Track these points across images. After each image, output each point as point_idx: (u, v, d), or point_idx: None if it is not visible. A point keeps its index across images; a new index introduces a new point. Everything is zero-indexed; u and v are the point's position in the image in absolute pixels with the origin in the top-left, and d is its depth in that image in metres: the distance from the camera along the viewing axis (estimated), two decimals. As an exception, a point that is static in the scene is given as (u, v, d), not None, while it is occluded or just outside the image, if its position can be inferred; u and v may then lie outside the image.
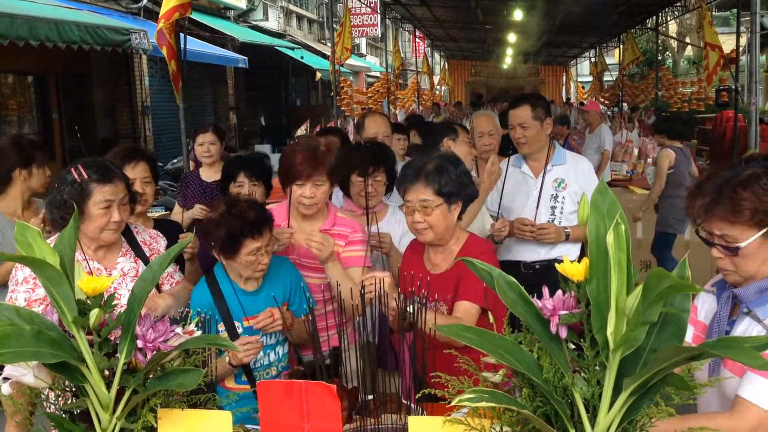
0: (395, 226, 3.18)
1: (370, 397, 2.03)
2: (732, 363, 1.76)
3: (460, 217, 2.57)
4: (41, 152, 3.46)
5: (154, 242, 2.63)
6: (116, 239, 2.46)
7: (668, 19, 17.93)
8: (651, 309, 1.15)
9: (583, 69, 33.17)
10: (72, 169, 2.34)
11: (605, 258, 1.18)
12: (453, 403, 1.23)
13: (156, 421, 1.37)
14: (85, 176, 2.32)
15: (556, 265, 1.29)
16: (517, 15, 13.88)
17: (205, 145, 4.62)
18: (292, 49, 19.83)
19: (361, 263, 2.80)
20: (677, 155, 6.34)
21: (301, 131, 8.58)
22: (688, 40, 22.63)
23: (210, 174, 4.52)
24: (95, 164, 2.39)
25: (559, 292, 1.27)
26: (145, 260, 2.52)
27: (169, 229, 2.99)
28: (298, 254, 2.81)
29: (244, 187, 3.42)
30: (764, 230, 1.69)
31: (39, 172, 3.39)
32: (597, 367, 1.23)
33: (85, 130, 11.76)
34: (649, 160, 8.86)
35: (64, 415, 1.41)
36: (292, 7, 23.38)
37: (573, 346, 1.26)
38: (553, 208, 3.57)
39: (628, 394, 1.19)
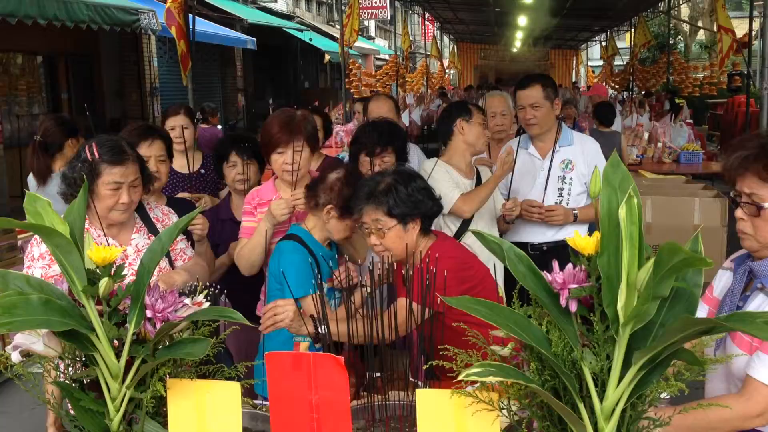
0: None
1: (378, 374, 2.03)
2: (740, 339, 1.75)
3: (428, 230, 2.48)
4: (77, 125, 4.07)
5: (167, 219, 2.62)
6: (126, 218, 2.45)
7: (681, 2, 17.79)
8: (663, 283, 1.13)
9: (593, 53, 32.94)
10: (86, 147, 2.33)
11: (617, 231, 1.17)
12: (461, 378, 1.22)
13: (165, 391, 1.38)
14: (97, 155, 2.30)
15: (567, 239, 1.28)
16: (528, -3, 13.78)
17: (177, 129, 3.80)
18: (301, 31, 19.78)
19: None
20: (594, 137, 6.88)
21: None
22: (700, 23, 22.42)
23: (183, 164, 3.76)
24: (109, 143, 2.36)
25: (570, 265, 1.26)
26: None
27: (181, 206, 2.99)
28: (297, 220, 2.85)
29: (237, 166, 3.36)
30: None
31: (81, 142, 3.88)
32: (606, 342, 1.23)
33: (93, 110, 11.79)
34: (660, 145, 8.84)
35: (74, 384, 1.42)
36: (301, -12, 23.29)
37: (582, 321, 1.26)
38: (561, 189, 3.54)
39: (637, 368, 1.18)
